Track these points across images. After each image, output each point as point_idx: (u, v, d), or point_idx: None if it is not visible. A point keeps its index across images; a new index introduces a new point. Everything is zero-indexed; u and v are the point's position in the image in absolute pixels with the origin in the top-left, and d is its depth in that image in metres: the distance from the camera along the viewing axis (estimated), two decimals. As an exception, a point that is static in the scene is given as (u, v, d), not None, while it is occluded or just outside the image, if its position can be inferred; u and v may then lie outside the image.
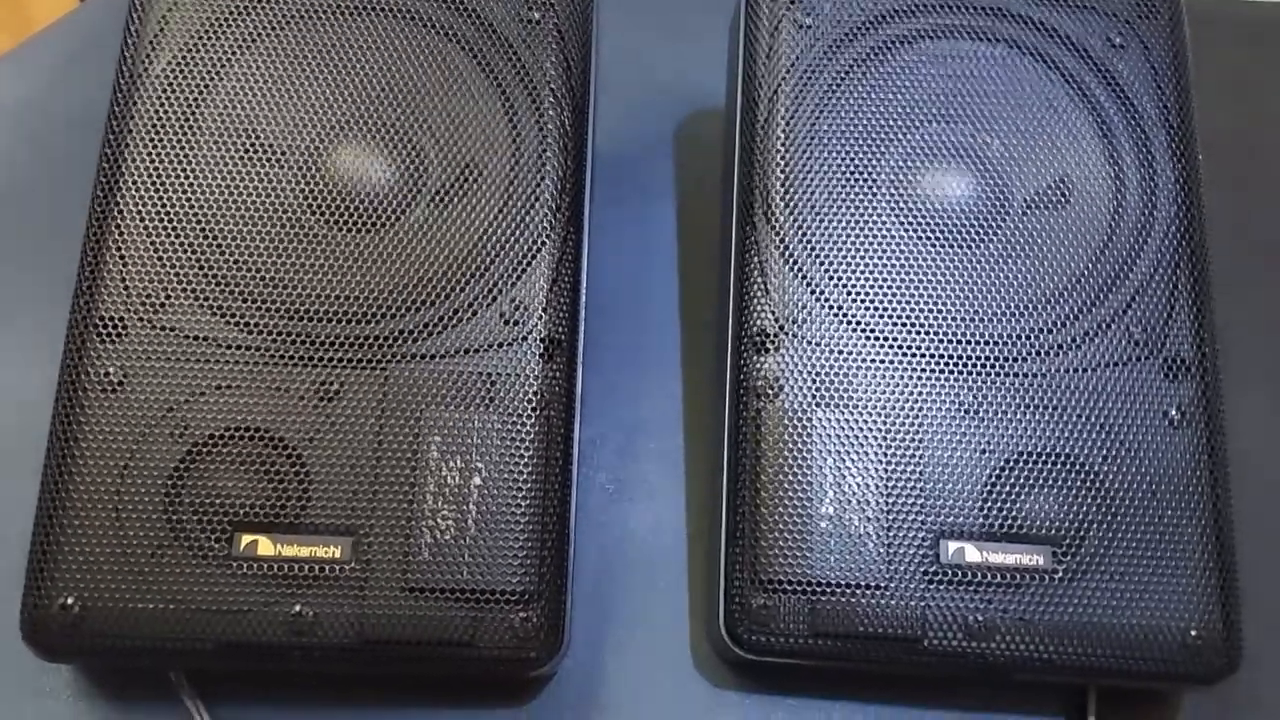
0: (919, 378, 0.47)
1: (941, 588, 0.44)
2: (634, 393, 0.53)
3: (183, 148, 0.47)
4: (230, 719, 0.46)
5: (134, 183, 0.46)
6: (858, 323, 0.48)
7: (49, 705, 0.46)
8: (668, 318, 0.55)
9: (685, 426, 0.52)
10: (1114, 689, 0.47)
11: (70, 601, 0.42)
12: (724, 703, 0.47)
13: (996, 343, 0.47)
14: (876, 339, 0.47)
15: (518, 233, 0.47)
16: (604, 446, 0.51)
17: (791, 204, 0.49)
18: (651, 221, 0.57)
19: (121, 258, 0.46)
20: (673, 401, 0.53)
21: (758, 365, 0.47)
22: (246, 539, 0.43)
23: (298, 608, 0.43)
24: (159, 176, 0.47)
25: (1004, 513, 0.45)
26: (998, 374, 0.47)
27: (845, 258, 0.48)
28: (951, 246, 0.49)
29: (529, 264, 0.47)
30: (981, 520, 0.45)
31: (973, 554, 0.44)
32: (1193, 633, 0.44)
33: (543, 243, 0.47)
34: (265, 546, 0.43)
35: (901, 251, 0.48)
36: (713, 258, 0.53)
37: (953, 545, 0.44)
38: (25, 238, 0.55)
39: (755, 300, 0.48)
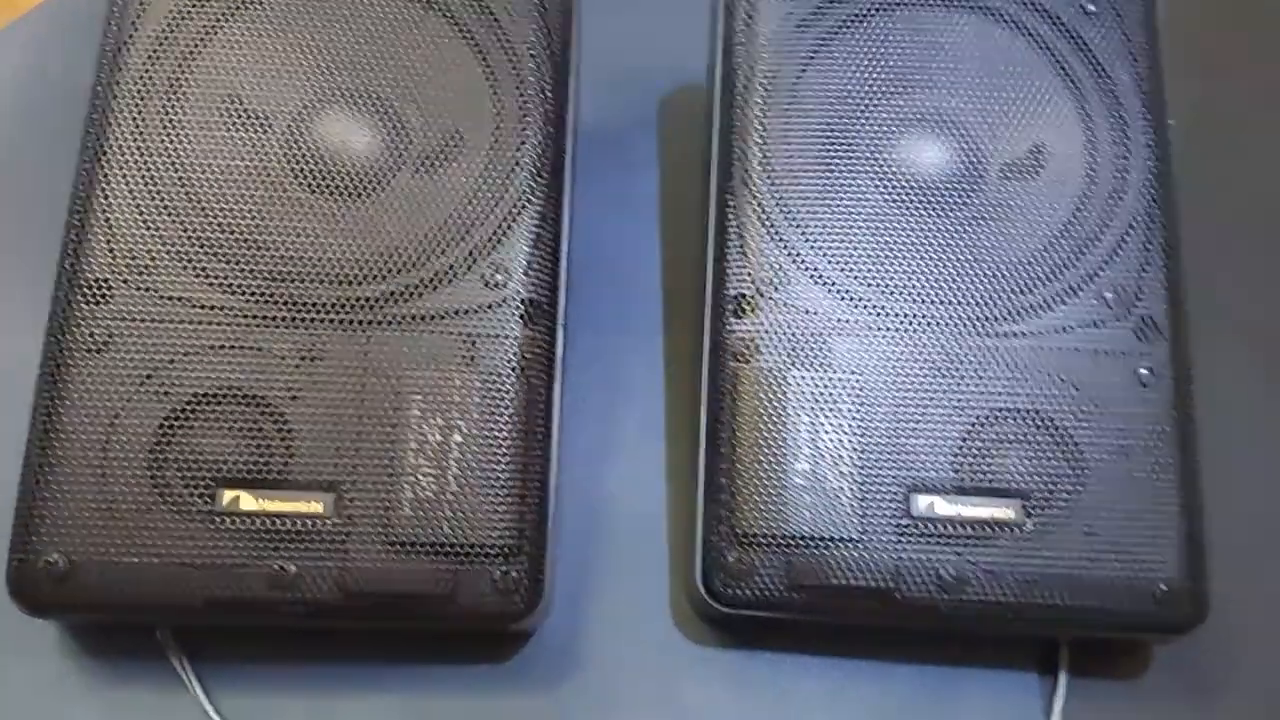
0: (893, 339, 0.48)
1: (914, 541, 0.45)
2: (616, 358, 0.53)
3: (168, 114, 0.48)
4: (216, 678, 0.46)
5: (119, 147, 0.47)
6: (833, 286, 0.48)
7: (36, 664, 0.46)
8: (650, 286, 0.55)
9: (666, 391, 0.53)
10: (1085, 643, 0.48)
11: (55, 558, 0.43)
12: (703, 658, 0.48)
13: (970, 304, 0.48)
14: (852, 301, 0.48)
15: (498, 198, 0.48)
16: (586, 410, 0.52)
17: (769, 169, 0.49)
18: (636, 193, 0.57)
19: (107, 221, 0.46)
20: (654, 367, 0.53)
21: (735, 328, 0.48)
22: (229, 495, 0.44)
23: (280, 563, 0.43)
24: (144, 141, 0.47)
25: (976, 468, 0.46)
26: (971, 335, 0.48)
27: (822, 222, 0.49)
28: (927, 212, 0.49)
29: (510, 228, 0.48)
30: (953, 475, 0.46)
31: (944, 507, 0.45)
32: (1161, 584, 0.45)
33: (523, 207, 0.48)
34: (248, 502, 0.44)
35: (877, 216, 0.49)
36: (696, 228, 0.54)
37: (924, 499, 0.45)
38: (15, 209, 0.56)
39: (733, 264, 0.49)
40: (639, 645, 0.48)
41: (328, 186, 0.48)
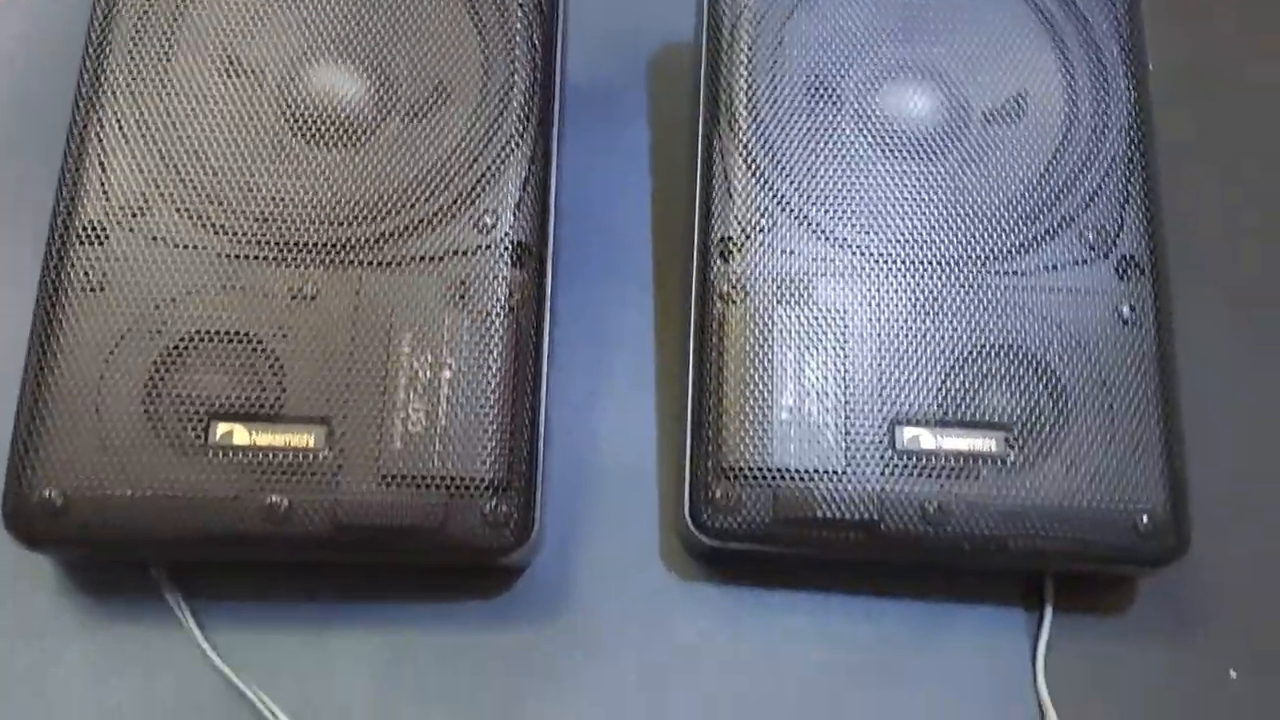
0: (878, 279, 0.48)
1: (898, 473, 0.45)
2: (607, 309, 0.54)
3: (161, 63, 0.49)
4: (209, 614, 0.47)
5: (114, 94, 0.48)
6: (819, 228, 0.49)
7: (31, 601, 0.47)
8: (640, 238, 0.55)
9: (656, 339, 0.53)
10: (1071, 577, 0.48)
11: (51, 493, 0.44)
12: (692, 596, 0.48)
13: (953, 245, 0.49)
14: (837, 243, 0.49)
15: (486, 143, 0.49)
16: (577, 358, 0.52)
17: (754, 113, 0.50)
18: (625, 148, 0.58)
19: (102, 167, 0.47)
20: (645, 317, 0.54)
21: (722, 270, 0.49)
22: (222, 429, 0.44)
23: (273, 496, 0.44)
24: (138, 90, 0.48)
25: (959, 403, 0.46)
26: (954, 275, 0.48)
27: (807, 167, 0.50)
28: (910, 157, 0.50)
29: (499, 173, 0.49)
30: (937, 409, 0.46)
31: (928, 440, 0.46)
32: (1144, 517, 0.45)
33: (511, 152, 0.49)
34: (240, 435, 0.44)
35: (862, 161, 0.50)
36: (685, 182, 0.54)
37: (908, 431, 0.46)
38: (5, 155, 0.56)
39: (719, 207, 0.49)
40: (629, 584, 0.48)
41: (319, 135, 0.48)
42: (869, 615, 0.48)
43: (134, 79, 0.48)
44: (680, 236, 0.52)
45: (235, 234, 0.47)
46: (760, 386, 0.46)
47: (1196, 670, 0.48)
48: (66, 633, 0.47)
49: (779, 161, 0.50)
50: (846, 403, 0.46)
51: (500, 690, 0.47)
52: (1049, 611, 0.48)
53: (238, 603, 0.47)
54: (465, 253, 0.47)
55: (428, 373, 0.45)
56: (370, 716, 0.46)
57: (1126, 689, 0.48)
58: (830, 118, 0.50)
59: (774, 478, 0.45)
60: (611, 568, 0.49)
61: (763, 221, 0.49)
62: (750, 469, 0.45)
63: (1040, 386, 0.47)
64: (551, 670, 0.47)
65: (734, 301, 0.48)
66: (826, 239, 0.49)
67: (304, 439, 0.44)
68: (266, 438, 0.44)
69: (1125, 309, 0.48)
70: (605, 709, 0.47)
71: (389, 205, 0.47)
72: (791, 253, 0.49)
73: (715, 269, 0.49)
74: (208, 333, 0.45)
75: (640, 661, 0.47)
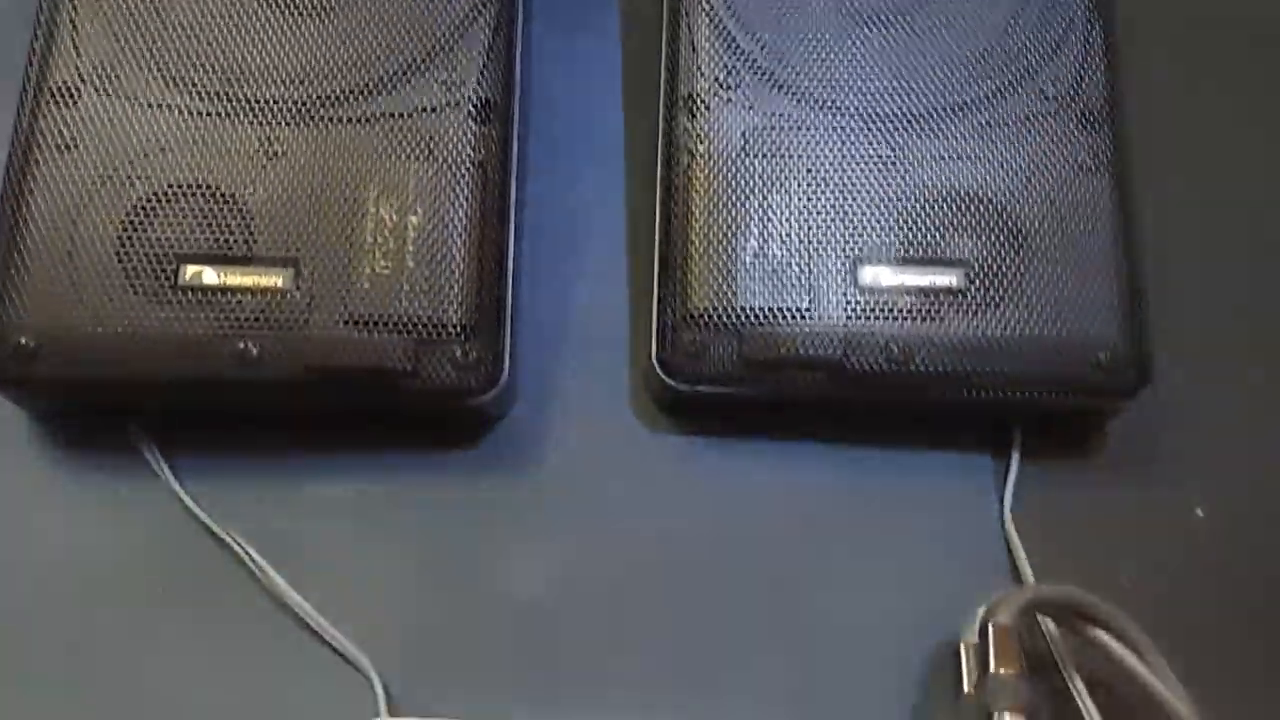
0: (842, 132, 0.49)
1: (861, 312, 0.46)
2: (579, 168, 0.54)
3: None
4: (186, 471, 0.47)
5: (85, -40, 0.49)
6: (783, 84, 0.50)
7: (6, 456, 0.48)
8: (612, 101, 0.55)
9: (626, 196, 0.53)
10: (1039, 425, 0.49)
11: (25, 339, 0.44)
12: (660, 444, 0.49)
13: (916, 98, 0.49)
14: (802, 99, 0.49)
15: (453, 3, 0.49)
16: (550, 216, 0.52)
17: (718, -28, 0.51)
18: (597, 21, 0.58)
19: (73, 27, 0.48)
20: (616, 175, 0.54)
21: (689, 127, 0.49)
22: (191, 270, 0.45)
23: (243, 340, 0.44)
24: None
25: (921, 242, 0.47)
26: (917, 127, 0.49)
27: (771, 24, 0.50)
28: (873, 18, 0.51)
29: (463, 31, 0.49)
30: (899, 248, 0.47)
31: (889, 277, 0.46)
32: (1104, 351, 0.46)
33: (477, 13, 0.50)
34: (210, 276, 0.45)
35: (826, 19, 0.51)
36: (654, 48, 0.54)
37: (870, 270, 0.46)
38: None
39: (685, 65, 0.50)
40: (601, 433, 0.49)
41: (288, 5, 0.49)
42: (835, 465, 0.49)
43: (105, -53, 0.49)
44: (650, 100, 0.53)
45: (204, 92, 0.47)
46: (725, 232, 0.47)
47: (1164, 511, 0.49)
48: (42, 485, 0.47)
49: (743, 20, 0.50)
50: (810, 244, 0.47)
51: (476, 536, 0.47)
52: (1015, 457, 0.48)
53: (215, 457, 0.48)
54: (431, 110, 0.48)
55: (394, 218, 0.46)
56: (349, 563, 0.47)
57: (1095, 532, 0.48)
58: (794, -17, 0.51)
59: (739, 318, 0.46)
60: (584, 419, 0.49)
61: (728, 79, 0.50)
62: (715, 311, 0.46)
63: (1002, 230, 0.47)
64: (524, 517, 0.48)
65: (700, 156, 0.49)
66: (791, 95, 0.49)
67: (273, 280, 0.45)
68: (236, 278, 0.45)
69: (1085, 158, 0.49)
70: (575, 556, 0.47)
71: (354, 63, 0.48)
72: (756, 109, 0.49)
73: (681, 126, 0.49)
74: (177, 185, 0.46)
75: (610, 510, 0.48)
